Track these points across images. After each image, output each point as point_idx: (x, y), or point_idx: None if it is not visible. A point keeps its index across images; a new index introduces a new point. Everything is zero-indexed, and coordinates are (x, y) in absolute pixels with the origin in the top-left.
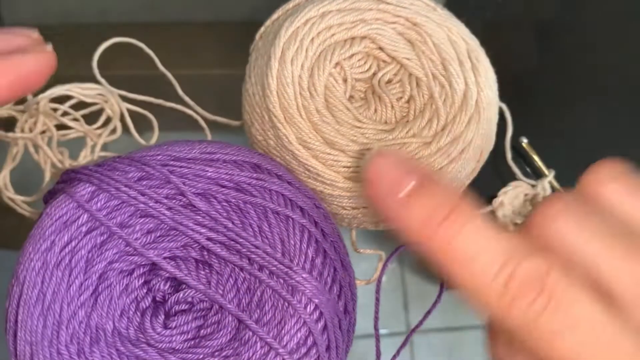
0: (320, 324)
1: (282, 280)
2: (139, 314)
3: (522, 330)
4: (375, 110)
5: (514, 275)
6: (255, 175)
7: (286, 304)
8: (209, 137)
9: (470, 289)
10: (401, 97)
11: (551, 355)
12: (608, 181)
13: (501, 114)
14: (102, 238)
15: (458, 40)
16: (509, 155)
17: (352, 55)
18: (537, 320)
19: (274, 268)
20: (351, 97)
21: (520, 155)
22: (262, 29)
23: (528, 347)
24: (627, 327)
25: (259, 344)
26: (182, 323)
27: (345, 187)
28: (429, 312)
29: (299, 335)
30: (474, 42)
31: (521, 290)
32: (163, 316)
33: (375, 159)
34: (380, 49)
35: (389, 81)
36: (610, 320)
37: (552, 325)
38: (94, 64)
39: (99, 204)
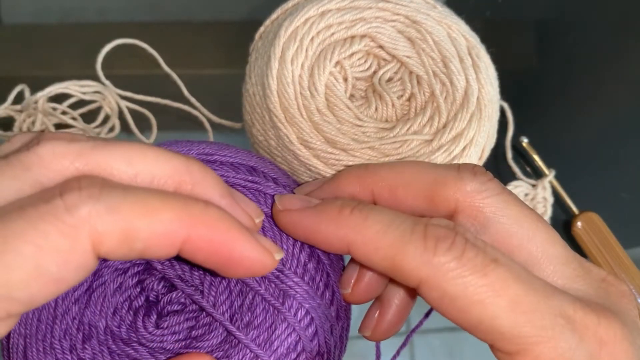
0: (311, 329)
1: (273, 285)
2: (131, 312)
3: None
4: (376, 109)
5: (428, 230)
6: (250, 178)
7: (276, 308)
8: (211, 138)
9: (390, 253)
10: (402, 95)
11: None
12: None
13: (502, 113)
14: None
15: (458, 37)
16: (509, 154)
17: (352, 54)
18: (461, 258)
19: None
20: (352, 95)
21: (521, 155)
22: (262, 28)
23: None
24: None
25: (248, 348)
26: (174, 323)
27: None
28: (429, 312)
29: (289, 340)
30: (474, 39)
31: (439, 239)
32: (155, 316)
33: (280, 200)
34: (381, 47)
35: (390, 79)
36: None
37: (475, 261)
38: (98, 66)
39: None
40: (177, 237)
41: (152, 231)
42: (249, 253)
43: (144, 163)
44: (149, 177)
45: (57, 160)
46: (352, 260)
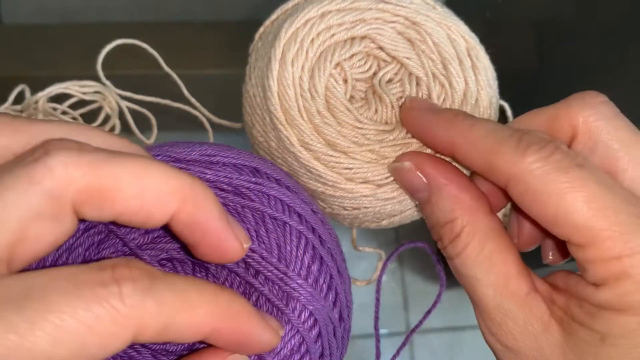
0: (314, 331)
1: (277, 287)
2: None
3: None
4: (376, 111)
5: (524, 136)
6: (254, 179)
7: (280, 310)
8: (211, 138)
9: (486, 153)
10: (401, 97)
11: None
12: None
13: (502, 113)
14: (99, 237)
15: (457, 38)
16: None
17: (352, 55)
18: (548, 158)
19: (269, 273)
20: (352, 97)
21: None
22: (261, 29)
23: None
24: None
25: None
26: None
27: (347, 188)
28: (429, 312)
29: (292, 342)
30: (473, 40)
31: (531, 143)
32: None
33: (412, 99)
34: (380, 48)
35: (390, 81)
36: None
37: (561, 162)
38: (99, 66)
39: None
40: (207, 328)
41: (188, 324)
42: (262, 337)
43: (152, 178)
44: (156, 191)
45: (69, 173)
46: (514, 216)
